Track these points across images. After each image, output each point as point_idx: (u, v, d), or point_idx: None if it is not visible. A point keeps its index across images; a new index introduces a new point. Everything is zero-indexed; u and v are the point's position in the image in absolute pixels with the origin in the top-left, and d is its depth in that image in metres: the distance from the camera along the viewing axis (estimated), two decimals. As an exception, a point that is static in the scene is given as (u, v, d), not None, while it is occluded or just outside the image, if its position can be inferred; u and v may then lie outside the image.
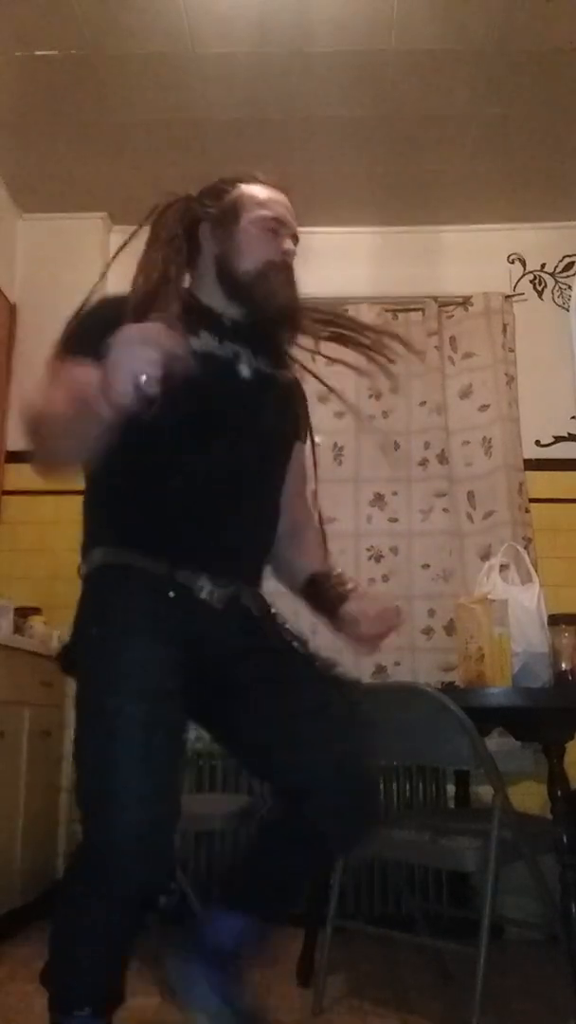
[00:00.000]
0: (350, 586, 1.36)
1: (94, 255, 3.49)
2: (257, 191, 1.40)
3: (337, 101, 2.90)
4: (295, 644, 1.35)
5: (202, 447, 1.29)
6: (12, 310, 3.39)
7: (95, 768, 1.17)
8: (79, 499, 3.67)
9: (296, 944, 2.22)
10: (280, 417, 1.42)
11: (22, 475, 3.26)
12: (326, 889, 2.08)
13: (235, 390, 1.34)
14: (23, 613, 2.85)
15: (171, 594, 1.26)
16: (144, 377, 0.95)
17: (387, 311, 3.44)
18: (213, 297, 1.38)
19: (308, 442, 1.52)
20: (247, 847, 1.37)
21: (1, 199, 3.36)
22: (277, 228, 1.37)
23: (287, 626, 1.37)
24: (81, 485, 3.67)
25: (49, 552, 3.18)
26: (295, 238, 1.40)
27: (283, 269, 1.36)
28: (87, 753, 1.19)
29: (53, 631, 2.96)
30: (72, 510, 3.40)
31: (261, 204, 1.38)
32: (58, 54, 2.70)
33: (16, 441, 3.28)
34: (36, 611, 2.93)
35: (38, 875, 2.70)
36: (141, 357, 0.96)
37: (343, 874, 2.07)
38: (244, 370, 1.36)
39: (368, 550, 3.19)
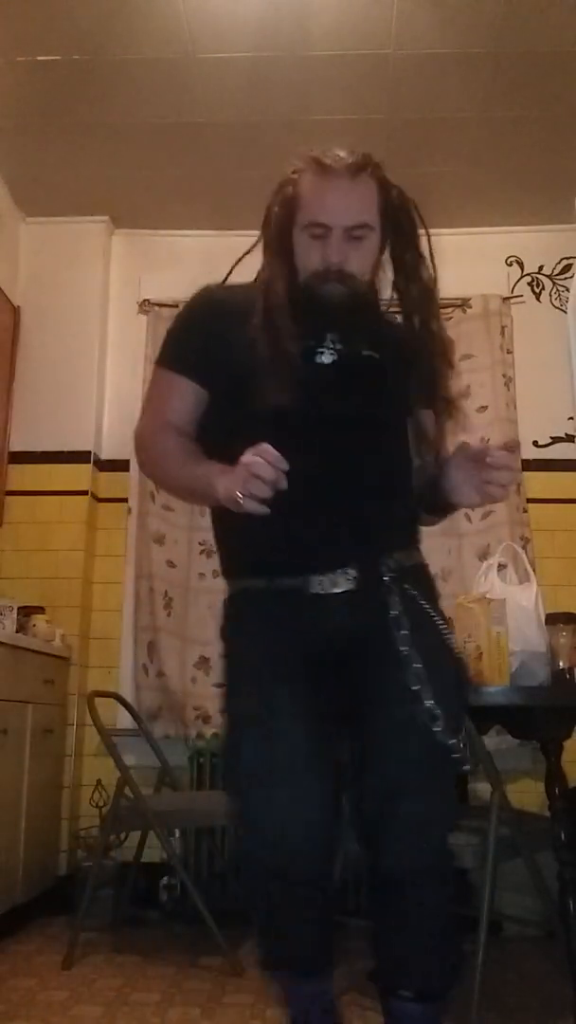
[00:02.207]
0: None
1: (96, 258, 3.52)
2: (309, 187, 1.28)
3: (336, 105, 2.92)
4: (432, 631, 1.29)
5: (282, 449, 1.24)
6: (15, 313, 3.41)
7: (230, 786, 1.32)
8: (81, 500, 3.71)
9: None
10: (374, 395, 1.33)
11: (25, 476, 3.28)
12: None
13: (310, 382, 1.28)
14: (26, 612, 2.87)
15: (275, 603, 1.27)
16: (243, 502, 1.13)
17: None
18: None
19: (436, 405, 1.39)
20: (372, 931, 1.33)
21: (4, 203, 3.38)
22: (323, 233, 1.27)
23: (430, 609, 1.32)
24: (78, 487, 3.69)
25: (52, 552, 3.21)
26: (359, 228, 1.28)
27: (327, 278, 1.28)
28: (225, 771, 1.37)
29: (56, 630, 2.98)
30: (74, 511, 3.46)
31: (306, 206, 1.28)
32: (60, 59, 2.72)
33: (19, 442, 3.31)
34: (39, 610, 2.95)
35: (40, 872, 2.72)
36: (247, 484, 1.11)
37: (342, 870, 2.09)
38: (325, 357, 1.31)
39: (368, 550, 3.20)
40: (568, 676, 2.05)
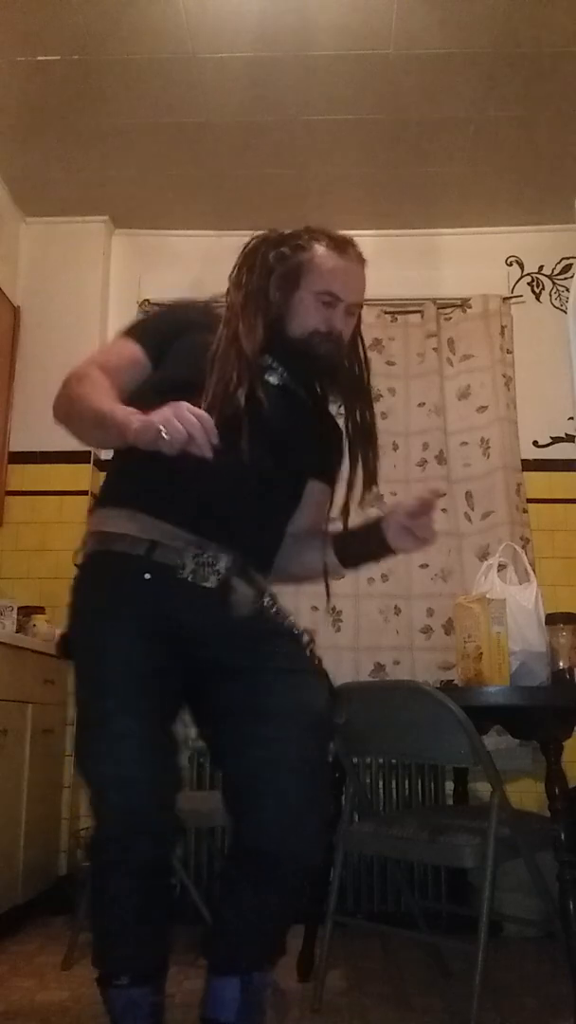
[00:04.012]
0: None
1: (96, 258, 3.52)
2: (325, 259, 1.44)
3: (337, 105, 2.92)
4: (287, 636, 1.38)
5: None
6: (15, 313, 3.41)
7: (85, 756, 1.32)
8: (81, 500, 3.71)
9: (296, 940, 2.24)
10: (303, 443, 1.47)
11: (25, 476, 3.29)
12: (326, 885, 2.10)
13: (260, 392, 1.39)
14: (26, 612, 2.88)
15: (146, 576, 1.32)
16: (166, 436, 1.17)
17: (386, 313, 3.46)
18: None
19: (332, 486, 1.58)
20: (218, 905, 1.41)
21: (4, 203, 3.38)
22: (332, 302, 1.43)
23: (286, 618, 1.40)
24: (78, 487, 3.68)
25: (51, 552, 3.20)
26: (355, 307, 1.47)
27: (327, 339, 1.43)
28: (79, 742, 1.33)
29: (56, 630, 2.98)
30: (74, 511, 3.47)
31: (323, 275, 1.42)
32: (60, 59, 2.72)
33: (19, 442, 3.31)
34: (39, 610, 2.95)
35: (40, 872, 2.72)
36: (175, 427, 1.17)
37: (343, 871, 2.09)
38: (273, 378, 1.44)
39: (368, 550, 3.20)
40: (568, 676, 2.06)
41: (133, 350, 1.43)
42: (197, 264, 3.35)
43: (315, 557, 1.48)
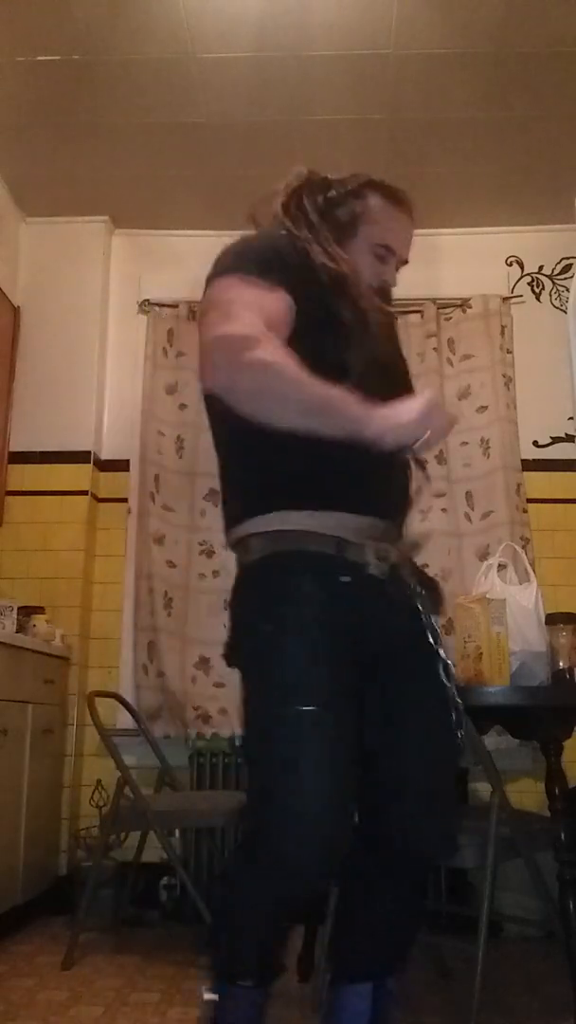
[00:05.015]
0: None
1: (96, 258, 3.52)
2: (385, 210, 1.38)
3: (336, 105, 2.92)
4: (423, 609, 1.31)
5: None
6: (15, 313, 3.41)
7: (274, 770, 1.17)
8: (81, 500, 3.69)
9: (296, 940, 2.24)
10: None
11: (25, 476, 3.29)
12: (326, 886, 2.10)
13: (375, 345, 1.32)
14: (26, 612, 2.88)
15: (345, 579, 1.21)
16: (428, 438, 1.11)
17: (387, 313, 3.46)
18: None
19: None
20: (339, 910, 1.38)
21: (4, 202, 3.38)
22: (386, 256, 1.38)
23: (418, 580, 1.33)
24: (78, 487, 3.66)
25: (51, 552, 3.21)
26: (402, 264, 1.42)
27: (381, 293, 1.38)
28: (266, 756, 1.19)
29: (56, 630, 2.99)
30: (74, 511, 3.46)
31: (383, 227, 1.37)
32: (60, 59, 2.72)
33: (19, 442, 3.31)
34: (39, 610, 2.95)
35: (40, 872, 2.72)
36: (425, 427, 1.09)
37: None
38: (374, 327, 1.33)
39: (368, 550, 3.20)
40: (568, 676, 2.05)
41: (284, 301, 1.21)
42: (197, 264, 3.34)
43: None
